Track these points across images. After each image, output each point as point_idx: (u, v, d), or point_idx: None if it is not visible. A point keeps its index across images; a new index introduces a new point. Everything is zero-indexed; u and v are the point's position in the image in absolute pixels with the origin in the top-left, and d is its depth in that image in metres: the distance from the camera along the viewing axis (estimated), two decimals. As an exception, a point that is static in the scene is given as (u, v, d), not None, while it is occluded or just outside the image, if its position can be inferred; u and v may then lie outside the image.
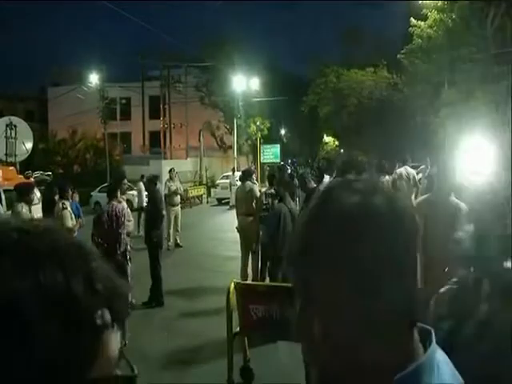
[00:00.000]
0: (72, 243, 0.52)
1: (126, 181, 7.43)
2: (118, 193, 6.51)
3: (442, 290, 1.42)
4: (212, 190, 26.89)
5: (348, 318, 0.69)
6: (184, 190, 14.73)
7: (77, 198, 9.79)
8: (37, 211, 7.13)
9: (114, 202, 6.30)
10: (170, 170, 13.30)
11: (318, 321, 0.71)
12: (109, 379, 0.50)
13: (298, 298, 0.75)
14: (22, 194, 6.72)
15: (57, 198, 7.02)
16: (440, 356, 0.73)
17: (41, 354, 0.44)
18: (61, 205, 6.75)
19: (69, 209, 6.84)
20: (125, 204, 6.52)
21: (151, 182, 8.05)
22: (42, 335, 0.44)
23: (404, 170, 10.65)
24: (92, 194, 22.34)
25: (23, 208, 6.50)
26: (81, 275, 0.48)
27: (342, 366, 0.71)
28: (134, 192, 17.19)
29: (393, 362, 0.69)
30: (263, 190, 8.24)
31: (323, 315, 0.71)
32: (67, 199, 7.06)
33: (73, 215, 6.98)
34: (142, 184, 14.10)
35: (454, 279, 1.51)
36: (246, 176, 8.74)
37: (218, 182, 25.71)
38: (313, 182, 7.79)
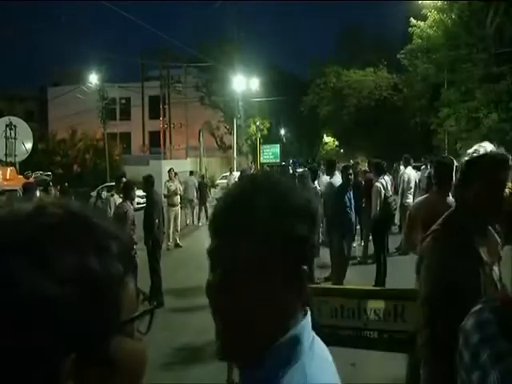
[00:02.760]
0: (71, 215, 0.57)
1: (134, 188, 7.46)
2: (132, 192, 6.70)
3: None
4: (212, 190, 26.89)
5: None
6: (182, 191, 14.79)
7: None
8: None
9: (125, 203, 6.51)
10: (169, 170, 13.23)
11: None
12: (134, 318, 0.59)
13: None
14: (25, 192, 7.13)
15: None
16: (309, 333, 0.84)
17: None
18: None
19: None
20: (130, 205, 6.73)
21: (148, 182, 8.06)
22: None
23: (409, 170, 10.68)
24: (92, 194, 22.35)
25: None
26: (92, 248, 0.54)
27: (234, 340, 0.81)
28: (138, 192, 17.61)
29: (280, 333, 0.79)
30: None
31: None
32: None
33: None
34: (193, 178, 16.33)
35: None
36: (241, 177, 8.79)
37: (217, 182, 25.72)
38: (311, 182, 7.80)
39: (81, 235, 0.54)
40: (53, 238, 0.52)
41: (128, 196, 6.80)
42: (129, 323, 0.57)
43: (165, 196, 12.47)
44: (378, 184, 8.08)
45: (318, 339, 0.86)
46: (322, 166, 13.53)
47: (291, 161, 36.71)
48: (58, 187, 8.84)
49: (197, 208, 15.99)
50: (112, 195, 7.59)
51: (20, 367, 0.48)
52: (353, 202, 7.82)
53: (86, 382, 0.51)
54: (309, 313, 0.86)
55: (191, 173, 17.53)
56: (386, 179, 8.46)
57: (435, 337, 1.83)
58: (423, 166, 12.50)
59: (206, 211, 15.85)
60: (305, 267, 0.82)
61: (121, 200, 7.20)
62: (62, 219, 0.55)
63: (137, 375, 0.59)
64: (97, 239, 0.55)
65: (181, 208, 14.81)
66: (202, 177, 19.35)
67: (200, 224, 15.48)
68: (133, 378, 0.59)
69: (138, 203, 20.77)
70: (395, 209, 8.48)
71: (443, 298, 1.80)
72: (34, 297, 0.48)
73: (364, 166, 12.85)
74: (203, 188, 16.79)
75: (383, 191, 8.03)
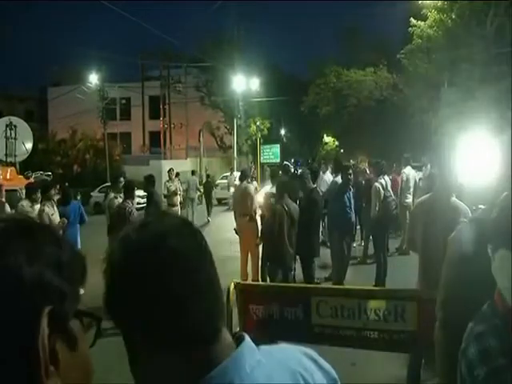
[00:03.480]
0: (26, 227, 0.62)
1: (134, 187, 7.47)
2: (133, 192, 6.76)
3: None
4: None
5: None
6: (184, 190, 14.95)
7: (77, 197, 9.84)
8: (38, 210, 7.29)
9: (127, 202, 6.54)
10: (169, 170, 13.21)
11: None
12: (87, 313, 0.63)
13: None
14: (28, 192, 7.16)
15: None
16: (255, 356, 0.79)
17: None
18: (41, 207, 6.95)
19: (46, 211, 6.94)
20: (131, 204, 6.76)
21: (149, 182, 8.06)
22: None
23: (408, 169, 10.67)
24: (92, 194, 22.35)
25: (27, 205, 6.89)
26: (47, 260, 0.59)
27: None
28: (138, 192, 18.30)
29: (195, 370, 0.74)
30: (267, 189, 8.24)
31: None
32: (49, 200, 7.19)
33: (55, 216, 7.15)
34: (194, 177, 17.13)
35: None
36: (242, 176, 8.80)
37: (217, 182, 25.71)
38: (312, 183, 7.78)
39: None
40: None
41: (129, 195, 6.80)
42: (84, 315, 0.61)
43: (164, 196, 12.48)
44: (377, 184, 8.09)
45: (265, 366, 0.80)
46: (323, 166, 13.53)
47: (292, 160, 36.61)
48: (58, 187, 8.88)
49: (197, 207, 16.66)
50: (116, 197, 7.60)
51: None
52: (353, 201, 7.82)
53: (51, 352, 0.53)
54: (245, 340, 0.82)
55: (193, 172, 18.11)
56: (386, 179, 8.45)
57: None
58: (424, 167, 12.48)
59: (211, 209, 17.68)
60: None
61: (121, 200, 7.21)
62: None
63: (86, 381, 0.61)
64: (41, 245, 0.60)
65: (183, 208, 15.23)
66: (208, 176, 19.81)
67: (207, 220, 16.80)
68: (81, 379, 0.60)
69: (138, 203, 20.96)
70: (395, 209, 8.47)
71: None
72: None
73: (365, 166, 12.83)
74: (209, 187, 17.35)
75: (382, 191, 8.03)
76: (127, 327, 0.77)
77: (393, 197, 8.39)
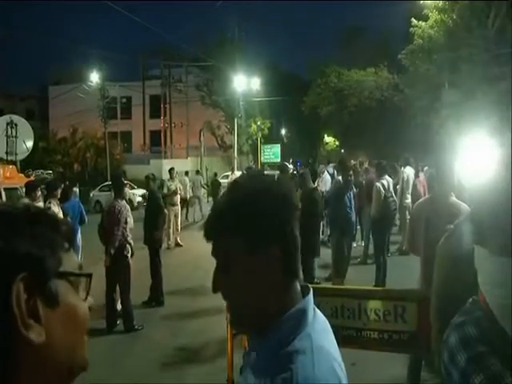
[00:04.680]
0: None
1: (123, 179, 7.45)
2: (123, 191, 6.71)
3: None
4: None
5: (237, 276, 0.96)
6: (190, 188, 15.43)
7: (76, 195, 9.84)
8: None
9: (117, 201, 6.48)
10: (170, 170, 13.23)
11: (221, 279, 0.99)
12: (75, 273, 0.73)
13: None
14: (28, 190, 7.06)
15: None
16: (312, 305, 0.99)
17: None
18: (47, 205, 6.94)
19: (52, 209, 6.95)
20: (124, 202, 6.65)
21: (150, 181, 8.03)
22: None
23: (408, 170, 10.67)
24: (92, 192, 22.36)
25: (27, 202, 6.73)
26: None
27: (238, 315, 1.01)
28: (136, 191, 18.80)
29: (275, 307, 0.94)
30: None
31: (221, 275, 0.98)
32: (54, 197, 7.19)
33: (59, 215, 7.14)
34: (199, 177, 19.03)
35: None
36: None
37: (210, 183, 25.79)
38: (312, 182, 7.79)
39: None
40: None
41: (119, 194, 6.64)
42: (70, 276, 0.71)
43: (165, 195, 12.50)
44: (378, 184, 8.08)
45: (318, 313, 1.01)
46: (322, 165, 13.56)
47: (291, 160, 36.51)
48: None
49: (199, 206, 17.16)
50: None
51: None
52: (353, 202, 7.82)
53: (30, 309, 0.64)
54: (311, 290, 1.01)
55: (197, 172, 19.63)
56: (389, 179, 8.45)
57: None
58: (426, 167, 12.46)
59: None
60: (275, 247, 0.95)
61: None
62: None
63: (78, 328, 0.71)
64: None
65: (190, 205, 16.03)
66: (215, 174, 20.23)
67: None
68: (73, 328, 0.70)
69: (137, 202, 21.15)
70: (395, 209, 8.47)
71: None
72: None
73: (366, 166, 12.85)
74: (217, 185, 17.94)
75: (383, 191, 8.02)
76: (233, 236, 0.94)
77: (394, 197, 8.37)
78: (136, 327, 6.31)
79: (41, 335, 0.65)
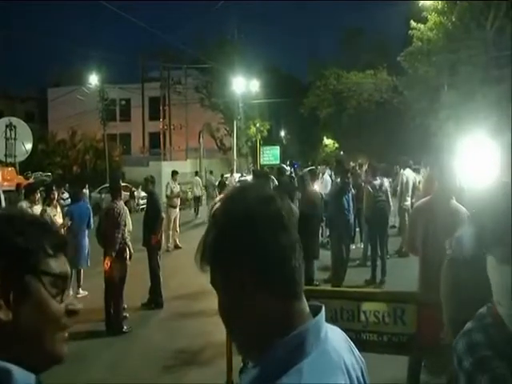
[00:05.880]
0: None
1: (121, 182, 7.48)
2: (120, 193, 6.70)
3: None
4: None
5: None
6: (184, 192, 15.31)
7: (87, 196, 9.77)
8: (36, 211, 7.24)
9: (114, 203, 6.45)
10: (173, 173, 13.12)
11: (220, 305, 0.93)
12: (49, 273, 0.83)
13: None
14: (26, 193, 7.07)
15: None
16: (326, 326, 0.93)
17: None
18: (44, 207, 6.94)
19: (48, 212, 6.93)
20: (122, 203, 6.66)
21: (149, 183, 7.98)
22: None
23: (407, 172, 10.68)
24: (92, 195, 22.33)
25: (26, 205, 6.76)
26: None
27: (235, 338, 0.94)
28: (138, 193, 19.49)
29: (269, 334, 0.85)
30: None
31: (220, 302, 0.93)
32: (53, 199, 7.18)
33: (58, 217, 7.15)
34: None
35: None
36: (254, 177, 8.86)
37: (217, 183, 25.77)
38: (311, 184, 7.77)
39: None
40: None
41: (116, 196, 6.60)
42: (46, 275, 0.81)
43: (167, 197, 12.53)
44: (368, 186, 8.30)
45: (334, 337, 0.94)
46: (322, 167, 13.57)
47: (288, 162, 36.37)
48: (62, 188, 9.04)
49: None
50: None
51: None
52: (351, 203, 7.83)
53: (3, 293, 0.76)
54: (322, 310, 0.94)
55: (196, 173, 20.61)
56: (384, 181, 8.50)
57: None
58: (423, 169, 12.47)
59: None
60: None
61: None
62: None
63: (48, 321, 0.81)
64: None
65: (191, 206, 16.44)
66: (222, 175, 20.45)
67: None
68: (43, 319, 0.80)
69: (137, 204, 21.24)
70: (382, 208, 8.44)
71: None
72: None
73: (365, 168, 12.88)
74: (224, 186, 18.37)
75: (372, 193, 8.17)
76: (234, 270, 0.88)
77: (385, 198, 8.37)
78: (124, 329, 6.24)
79: (7, 316, 0.77)
